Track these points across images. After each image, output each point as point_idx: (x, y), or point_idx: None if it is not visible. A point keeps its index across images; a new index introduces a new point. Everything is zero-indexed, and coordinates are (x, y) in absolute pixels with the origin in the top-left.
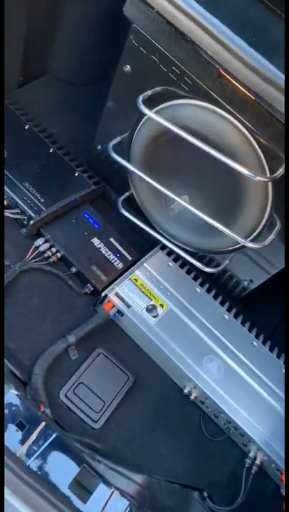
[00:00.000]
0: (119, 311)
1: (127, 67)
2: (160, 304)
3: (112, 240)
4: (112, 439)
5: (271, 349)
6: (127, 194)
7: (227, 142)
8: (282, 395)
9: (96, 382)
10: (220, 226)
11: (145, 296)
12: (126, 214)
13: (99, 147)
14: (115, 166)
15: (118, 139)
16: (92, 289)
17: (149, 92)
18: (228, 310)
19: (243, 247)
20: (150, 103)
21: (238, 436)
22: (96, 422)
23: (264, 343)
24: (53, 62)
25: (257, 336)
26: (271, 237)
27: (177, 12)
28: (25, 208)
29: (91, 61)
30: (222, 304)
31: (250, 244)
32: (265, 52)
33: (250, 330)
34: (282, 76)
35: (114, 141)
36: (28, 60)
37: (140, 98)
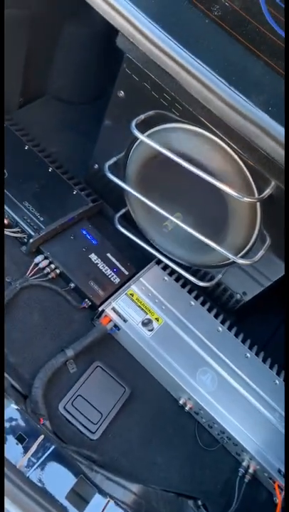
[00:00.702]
0: (116, 326)
1: (121, 93)
2: (156, 318)
3: (109, 255)
4: (109, 450)
5: (264, 360)
6: (123, 211)
7: (216, 164)
8: (275, 405)
9: (94, 395)
10: (211, 243)
11: (141, 310)
12: (122, 230)
13: (96, 166)
14: (112, 184)
15: (114, 159)
16: (90, 303)
17: (142, 117)
18: (222, 322)
19: (234, 262)
20: (144, 126)
21: (232, 445)
22: (94, 433)
23: (257, 354)
24: (52, 83)
25: (250, 348)
26: (261, 252)
27: (162, 54)
28: (25, 227)
29: (89, 80)
30: (216, 316)
31: (240, 261)
32: (245, 90)
33: (243, 341)
34: (259, 113)
35: (110, 162)
36: (27, 81)
37: (133, 123)
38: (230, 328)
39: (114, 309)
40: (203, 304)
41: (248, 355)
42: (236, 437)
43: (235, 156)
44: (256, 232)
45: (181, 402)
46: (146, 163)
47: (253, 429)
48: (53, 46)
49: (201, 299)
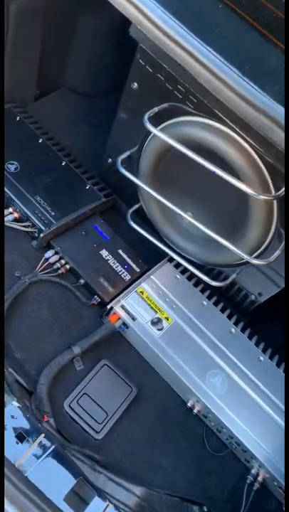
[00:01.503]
0: (124, 324)
1: (135, 85)
2: (165, 317)
3: (120, 251)
4: (113, 450)
5: (278, 364)
6: (136, 206)
7: (232, 160)
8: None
9: (100, 394)
10: (225, 242)
11: (151, 308)
12: (135, 226)
13: (109, 160)
14: (125, 178)
15: (127, 153)
16: (99, 300)
17: (155, 109)
18: (236, 323)
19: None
20: (157, 119)
21: (241, 451)
22: (98, 432)
23: (271, 357)
24: (68, 75)
25: (264, 350)
26: (277, 252)
27: (170, 42)
28: (36, 221)
29: (105, 73)
30: (229, 317)
31: (255, 261)
32: (258, 80)
33: (257, 344)
34: (274, 105)
35: (123, 156)
36: (43, 73)
37: (146, 116)
38: (243, 330)
39: (123, 307)
40: (216, 304)
41: (261, 358)
42: (245, 443)
43: (252, 152)
44: (272, 230)
45: (189, 404)
46: (160, 158)
47: (263, 435)
48: (69, 38)
49: (214, 298)
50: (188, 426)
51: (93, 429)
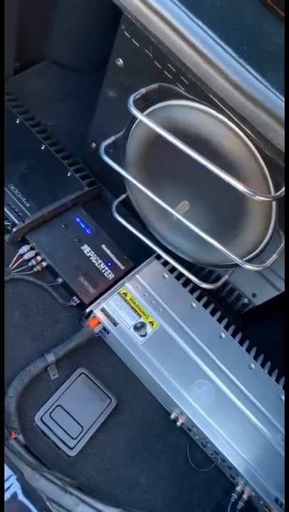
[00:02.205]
0: (105, 328)
1: (120, 61)
2: (150, 322)
3: (103, 247)
4: (87, 468)
5: (270, 371)
6: (123, 196)
7: (227, 152)
8: (278, 425)
9: (75, 405)
10: (216, 243)
11: (134, 312)
12: (119, 219)
13: (93, 145)
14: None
15: (112, 138)
16: (78, 301)
17: (143, 90)
18: (227, 327)
19: None
20: (145, 102)
21: (226, 468)
22: (72, 448)
23: (263, 364)
24: (52, 46)
25: (256, 357)
26: (274, 257)
27: (149, 12)
28: (9, 214)
29: (94, 45)
30: (220, 320)
31: (248, 266)
32: (259, 64)
33: (248, 349)
34: (275, 99)
35: (108, 141)
36: (23, 43)
37: (131, 98)
38: (234, 334)
39: (103, 310)
40: (206, 305)
41: (252, 365)
42: (231, 460)
43: (250, 143)
44: (270, 232)
45: (172, 416)
46: (148, 145)
47: (250, 451)
48: (52, 4)
49: (205, 299)
50: (171, 439)
51: (66, 445)
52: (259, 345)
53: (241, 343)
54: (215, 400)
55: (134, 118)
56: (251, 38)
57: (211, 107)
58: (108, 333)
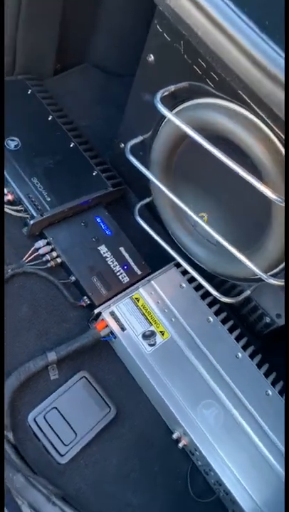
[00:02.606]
0: (112, 333)
1: (151, 57)
2: (160, 331)
3: (122, 249)
4: (76, 479)
5: None
6: (147, 200)
7: (255, 154)
8: None
9: (72, 410)
10: (237, 253)
11: (145, 319)
12: (141, 222)
13: (122, 145)
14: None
15: (140, 138)
16: (88, 302)
17: (171, 88)
18: (245, 347)
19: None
20: (173, 100)
21: (229, 501)
22: (62, 456)
23: (281, 393)
24: (94, 49)
25: (274, 383)
26: None
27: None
28: (28, 206)
29: (134, 49)
30: (239, 338)
31: (271, 280)
32: (282, 38)
33: (267, 374)
34: None
35: (135, 141)
36: (64, 45)
37: (158, 95)
38: (252, 356)
39: (112, 314)
40: (224, 321)
41: (270, 392)
42: (234, 494)
43: (280, 147)
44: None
45: (174, 436)
46: (174, 146)
47: (258, 488)
48: (96, 8)
49: (224, 315)
50: (171, 461)
51: (57, 451)
52: (279, 370)
53: (259, 366)
54: (223, 425)
55: (163, 118)
56: (275, 12)
57: (241, 105)
58: (115, 338)
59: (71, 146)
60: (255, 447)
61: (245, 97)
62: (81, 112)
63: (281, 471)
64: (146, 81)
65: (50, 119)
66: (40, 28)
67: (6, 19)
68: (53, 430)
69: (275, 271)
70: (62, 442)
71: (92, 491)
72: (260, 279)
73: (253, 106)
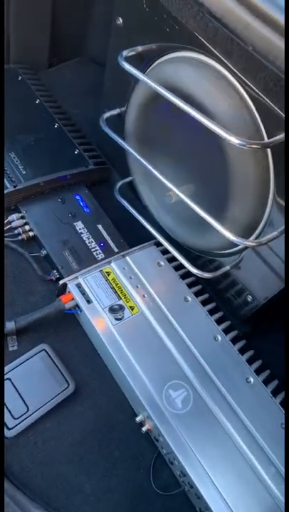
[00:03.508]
0: (78, 306)
1: (119, 20)
2: (130, 306)
3: (99, 226)
4: (23, 456)
5: (275, 393)
6: (129, 179)
7: (214, 100)
8: (273, 457)
9: (26, 383)
10: (208, 217)
11: (114, 293)
12: (121, 200)
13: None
14: (121, 147)
15: (117, 110)
16: (57, 276)
17: (138, 48)
18: (227, 331)
19: (245, 249)
20: (146, 65)
21: (194, 497)
22: (10, 429)
23: (267, 382)
24: (87, 43)
25: (260, 371)
26: (274, 234)
27: None
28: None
29: None
30: (220, 322)
31: (235, 239)
32: None
33: (251, 361)
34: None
35: (110, 113)
36: (60, 39)
37: (124, 53)
38: (235, 341)
39: (79, 286)
40: (205, 303)
41: (251, 379)
42: (200, 489)
43: (239, 88)
44: (270, 202)
45: (138, 419)
46: (144, 110)
47: (229, 484)
48: (90, 1)
49: (205, 296)
50: (135, 448)
51: (5, 424)
52: (265, 359)
53: (243, 351)
54: (192, 410)
55: (134, 86)
56: None
57: (199, 52)
58: (81, 311)
59: (55, 126)
60: (228, 436)
61: (201, 38)
62: (74, 102)
63: (256, 464)
64: (118, 46)
65: (37, 102)
66: (31, 19)
67: None
68: (4, 402)
69: (253, 237)
70: (12, 415)
71: (39, 471)
72: (234, 253)
73: (208, 45)
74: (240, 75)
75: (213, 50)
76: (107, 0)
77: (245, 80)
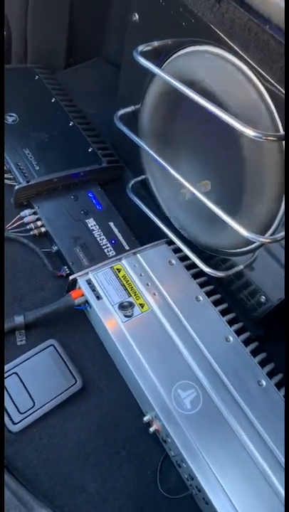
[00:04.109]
0: (88, 302)
1: (135, 16)
2: (140, 304)
3: (111, 224)
4: (27, 452)
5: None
6: (142, 177)
7: (230, 93)
8: (282, 461)
9: (33, 378)
10: (222, 214)
11: (124, 290)
12: (133, 198)
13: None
14: (136, 147)
15: (131, 107)
16: (68, 272)
17: (154, 43)
18: (239, 332)
19: (258, 247)
20: (162, 59)
21: (202, 501)
22: (15, 424)
23: (279, 385)
24: (104, 44)
25: (272, 374)
26: None
27: None
28: (16, 173)
29: None
30: (232, 323)
31: (249, 235)
32: None
33: (264, 363)
34: None
35: (125, 110)
36: (77, 41)
37: (139, 48)
38: (248, 343)
39: (89, 282)
40: (217, 303)
41: (263, 382)
42: (208, 493)
43: (256, 81)
44: (285, 198)
45: (145, 418)
46: (158, 108)
47: (239, 489)
48: (106, 2)
49: (217, 296)
50: (142, 448)
51: (10, 418)
52: (281, 363)
53: (256, 353)
54: (202, 411)
55: (149, 82)
56: None
57: (216, 45)
58: (90, 307)
59: (70, 124)
60: (238, 439)
61: (218, 31)
62: (90, 102)
63: (267, 470)
64: (134, 42)
65: (53, 100)
66: (49, 20)
67: (15, 10)
68: (10, 396)
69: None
70: (18, 409)
71: (44, 468)
72: (247, 252)
73: (225, 39)
74: (256, 67)
75: (229, 42)
76: (124, 1)
77: (262, 72)
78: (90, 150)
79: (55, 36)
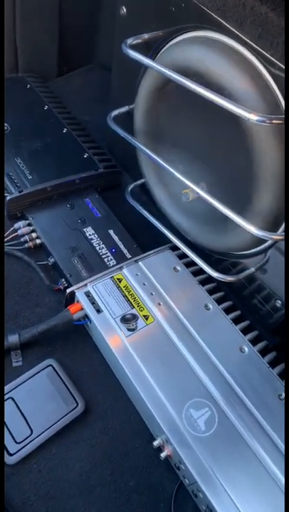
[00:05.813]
0: (87, 316)
1: (123, 9)
2: (144, 316)
3: (111, 232)
4: (26, 486)
5: None
6: (141, 181)
7: (230, 77)
8: None
9: (31, 403)
10: (224, 209)
11: (126, 301)
12: (132, 202)
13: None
14: (134, 151)
15: (125, 107)
16: (66, 285)
17: (144, 35)
18: (255, 342)
19: (270, 247)
20: (153, 52)
21: None
22: (12, 455)
23: None
24: (96, 50)
25: None
26: None
27: None
28: (8, 185)
29: None
30: (246, 331)
31: (259, 232)
32: None
33: (283, 376)
34: None
35: (119, 110)
36: (68, 48)
37: (128, 41)
38: (264, 353)
39: (87, 294)
40: (229, 311)
41: (283, 396)
42: None
43: (256, 62)
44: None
45: (155, 443)
46: (152, 104)
47: None
48: (95, 8)
49: (228, 304)
50: (153, 477)
51: (6, 449)
52: None
53: (273, 364)
54: (217, 432)
55: (141, 79)
56: None
57: (208, 28)
58: (90, 322)
59: (64, 131)
60: (260, 462)
61: (211, 13)
62: (84, 108)
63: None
64: (123, 37)
65: (45, 108)
66: (38, 29)
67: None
68: (5, 423)
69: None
70: (14, 439)
71: (44, 504)
72: (259, 252)
73: (220, 20)
74: (255, 46)
75: (223, 22)
76: (114, 4)
77: (262, 51)
78: (85, 156)
79: (45, 45)
